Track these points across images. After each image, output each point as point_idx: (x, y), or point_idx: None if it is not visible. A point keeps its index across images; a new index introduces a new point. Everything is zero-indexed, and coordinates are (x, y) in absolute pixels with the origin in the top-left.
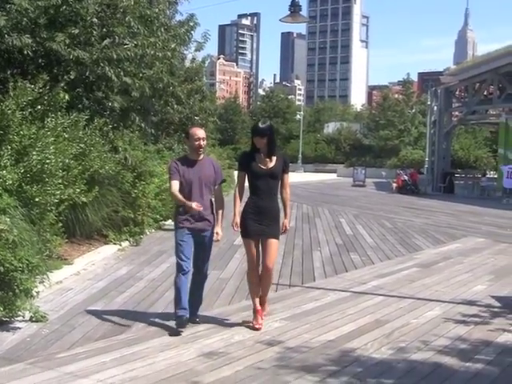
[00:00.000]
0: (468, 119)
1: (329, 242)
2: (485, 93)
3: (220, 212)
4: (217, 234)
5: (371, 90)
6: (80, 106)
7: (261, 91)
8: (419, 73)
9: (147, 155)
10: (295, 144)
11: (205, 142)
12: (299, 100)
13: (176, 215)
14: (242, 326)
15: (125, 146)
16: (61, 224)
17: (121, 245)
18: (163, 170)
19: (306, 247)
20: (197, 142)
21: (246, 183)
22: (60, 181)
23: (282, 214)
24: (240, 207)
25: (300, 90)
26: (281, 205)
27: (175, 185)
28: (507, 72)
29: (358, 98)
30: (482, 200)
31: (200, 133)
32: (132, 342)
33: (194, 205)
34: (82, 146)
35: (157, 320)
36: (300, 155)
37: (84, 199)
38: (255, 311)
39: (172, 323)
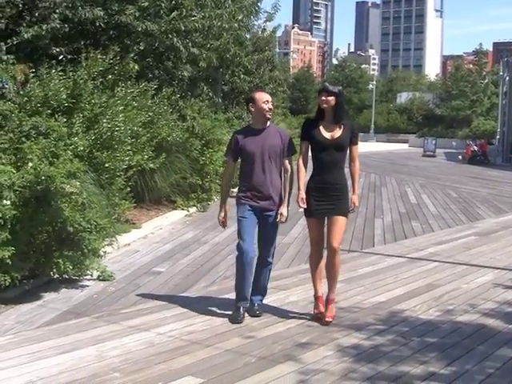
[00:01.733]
0: None
1: (392, 210)
2: None
3: (287, 190)
4: (281, 214)
5: (446, 60)
6: (150, 75)
7: (335, 61)
8: (494, 43)
9: (216, 124)
10: (367, 114)
11: (272, 105)
12: (373, 70)
13: (238, 190)
14: (298, 290)
15: (193, 114)
16: (129, 189)
17: (188, 210)
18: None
19: (369, 215)
20: (266, 105)
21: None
22: (129, 147)
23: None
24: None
25: (374, 59)
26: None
27: (228, 166)
28: None
29: (432, 68)
30: None
31: (266, 96)
32: (193, 300)
33: (221, 220)
34: (150, 114)
35: (218, 280)
36: (372, 125)
37: (152, 165)
38: (316, 298)
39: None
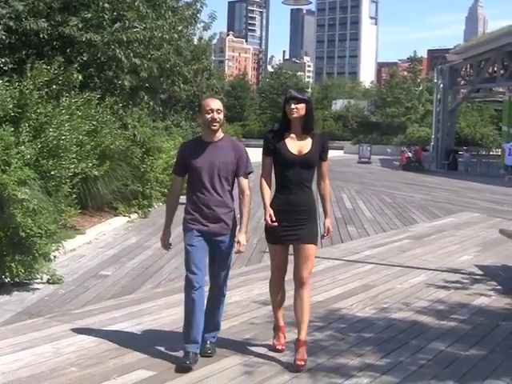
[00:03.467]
0: (472, 97)
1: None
2: (490, 70)
3: (245, 213)
4: (238, 243)
5: (380, 67)
6: (92, 85)
7: (270, 68)
8: (429, 50)
9: (155, 132)
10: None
11: (221, 115)
12: (309, 77)
13: (185, 212)
14: (240, 291)
15: (134, 123)
16: (75, 196)
17: (130, 217)
18: (170, 146)
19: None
20: (209, 115)
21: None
22: (74, 155)
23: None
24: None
25: (309, 66)
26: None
27: (174, 182)
28: (510, 51)
29: (367, 75)
30: (485, 177)
31: (213, 103)
32: (140, 300)
33: (163, 244)
34: (94, 123)
35: (163, 282)
36: None
37: (96, 173)
38: (277, 328)
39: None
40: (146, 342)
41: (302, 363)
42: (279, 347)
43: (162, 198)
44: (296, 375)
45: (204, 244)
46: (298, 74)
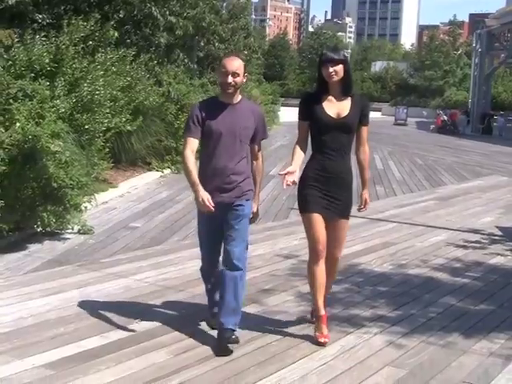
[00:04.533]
0: (510, 62)
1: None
2: None
3: (258, 182)
4: (252, 213)
5: (422, 29)
6: (128, 41)
7: (311, 28)
8: (470, 14)
9: (191, 89)
10: None
11: (238, 78)
12: (349, 38)
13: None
14: (264, 245)
15: (169, 80)
16: (108, 150)
17: (163, 172)
18: None
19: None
20: (223, 78)
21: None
22: (108, 110)
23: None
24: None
25: (351, 27)
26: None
27: (190, 145)
28: None
29: (408, 38)
30: None
31: (230, 65)
32: (167, 251)
33: (205, 199)
34: (128, 79)
35: (190, 235)
36: None
37: (129, 128)
38: (318, 318)
39: None
40: (170, 291)
41: (327, 340)
42: (322, 340)
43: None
44: (310, 324)
45: (215, 222)
46: (339, 34)
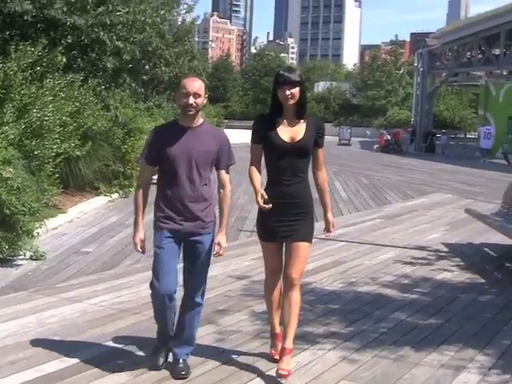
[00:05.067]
0: (451, 81)
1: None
2: (468, 55)
3: (225, 211)
4: (218, 245)
5: (364, 49)
6: (75, 66)
7: (254, 49)
8: (412, 33)
9: (137, 113)
10: None
11: (200, 99)
12: (292, 58)
13: (155, 208)
14: (217, 266)
15: (116, 104)
16: (57, 175)
17: (111, 196)
18: (152, 127)
19: None
20: (184, 100)
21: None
22: (57, 136)
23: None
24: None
25: (293, 48)
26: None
27: (143, 173)
28: (488, 36)
29: (350, 58)
30: (461, 159)
31: (190, 86)
32: (120, 275)
33: (137, 244)
34: (77, 104)
35: (142, 258)
36: None
37: (78, 153)
38: (274, 335)
39: None
40: (126, 313)
41: (286, 373)
42: (277, 357)
43: None
44: (265, 342)
45: (175, 246)
46: (282, 55)
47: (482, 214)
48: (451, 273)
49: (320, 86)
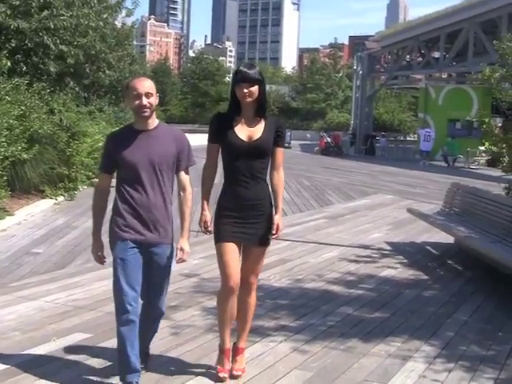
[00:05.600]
0: (390, 84)
1: None
2: (407, 58)
3: (186, 215)
4: (181, 250)
5: (302, 52)
6: (19, 70)
7: (191, 53)
8: (350, 36)
9: (80, 116)
10: (224, 106)
11: (152, 98)
12: (230, 62)
13: (112, 218)
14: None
15: (59, 107)
16: (5, 178)
17: (57, 199)
18: (95, 131)
19: None
20: (137, 101)
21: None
22: (4, 139)
23: None
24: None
25: (231, 51)
26: None
27: (101, 182)
28: (427, 39)
29: (288, 61)
30: (401, 162)
31: (141, 86)
32: (72, 274)
33: (96, 255)
34: (23, 108)
35: (92, 258)
36: None
37: (25, 156)
38: (223, 351)
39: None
40: (81, 310)
41: (240, 373)
42: (222, 374)
43: (87, 182)
44: (218, 335)
45: (139, 258)
46: (220, 59)
47: (424, 214)
48: (395, 270)
49: None
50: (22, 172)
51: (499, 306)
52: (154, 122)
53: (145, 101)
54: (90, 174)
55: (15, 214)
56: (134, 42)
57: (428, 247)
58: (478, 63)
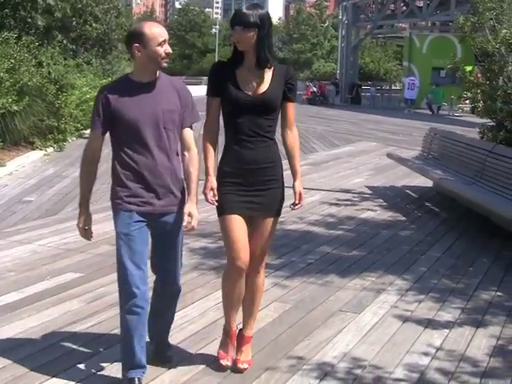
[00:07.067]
0: (375, 33)
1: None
2: (391, 7)
3: (193, 176)
4: (189, 215)
5: (289, 3)
6: (7, 24)
7: (178, 4)
8: None
9: (68, 69)
10: (211, 58)
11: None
12: (217, 13)
13: (112, 188)
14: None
15: (48, 60)
16: None
17: (46, 150)
18: (83, 83)
19: None
20: (163, 48)
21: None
22: None
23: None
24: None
25: (218, 2)
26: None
27: (91, 143)
28: None
29: (275, 12)
30: (386, 110)
31: (163, 31)
32: (64, 220)
33: (82, 233)
34: (12, 61)
35: None
36: None
37: (16, 108)
38: (227, 333)
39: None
40: (73, 252)
41: (247, 366)
42: (224, 362)
43: (76, 133)
44: (203, 273)
45: (146, 232)
46: (206, 10)
47: (402, 158)
48: (374, 212)
49: None
50: (12, 124)
51: (471, 244)
52: (158, 72)
53: (169, 48)
54: (79, 125)
55: (6, 165)
56: None
57: (407, 191)
58: (460, 12)
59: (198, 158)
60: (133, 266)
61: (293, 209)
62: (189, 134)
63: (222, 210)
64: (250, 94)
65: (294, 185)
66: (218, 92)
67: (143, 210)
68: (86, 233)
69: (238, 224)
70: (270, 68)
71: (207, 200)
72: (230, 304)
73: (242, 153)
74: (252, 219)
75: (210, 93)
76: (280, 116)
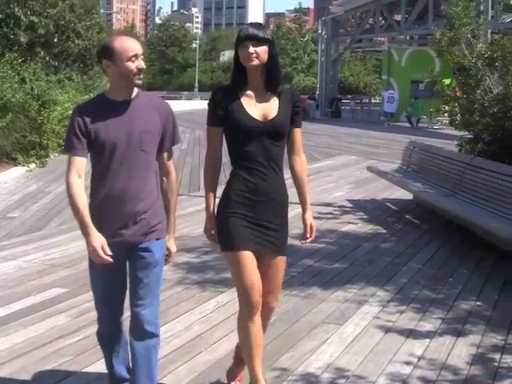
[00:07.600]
0: (354, 47)
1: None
2: (370, 22)
3: (172, 206)
4: (168, 251)
5: (268, 17)
6: None
7: (158, 20)
8: (316, 0)
9: (50, 85)
10: (192, 72)
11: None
12: (197, 28)
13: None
14: None
15: (30, 77)
16: None
17: (29, 166)
18: (65, 99)
19: (194, 165)
20: (133, 63)
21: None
22: None
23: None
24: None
25: (198, 18)
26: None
27: (74, 166)
28: (389, 2)
29: None
30: (366, 123)
31: (136, 46)
32: (48, 236)
33: (98, 248)
34: None
35: (67, 220)
36: (196, 83)
37: None
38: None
39: None
40: (58, 268)
41: None
42: None
43: (58, 149)
44: (187, 287)
45: (121, 263)
46: (187, 25)
47: (382, 171)
48: (355, 225)
49: (226, 55)
50: None
51: (452, 255)
52: (135, 90)
53: (142, 63)
54: (61, 141)
55: None
56: (101, 10)
57: (388, 203)
58: (438, 26)
59: (177, 183)
60: (104, 304)
61: (303, 243)
62: (168, 157)
63: (231, 246)
64: (260, 120)
65: (304, 217)
66: (221, 121)
67: (115, 240)
68: (100, 257)
69: (249, 261)
70: (277, 93)
71: (210, 240)
72: (252, 352)
73: (252, 182)
74: (264, 257)
75: (211, 122)
76: (287, 142)
